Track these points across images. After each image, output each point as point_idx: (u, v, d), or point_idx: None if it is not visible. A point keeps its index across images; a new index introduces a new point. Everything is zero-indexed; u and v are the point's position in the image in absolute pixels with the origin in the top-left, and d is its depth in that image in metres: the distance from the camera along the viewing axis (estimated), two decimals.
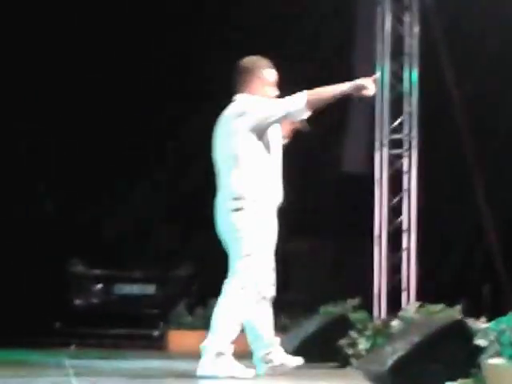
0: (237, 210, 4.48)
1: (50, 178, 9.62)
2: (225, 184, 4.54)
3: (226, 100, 4.61)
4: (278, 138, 4.62)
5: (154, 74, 9.10)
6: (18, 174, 9.30)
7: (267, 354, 4.64)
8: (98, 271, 9.24)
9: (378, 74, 4.80)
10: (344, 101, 8.76)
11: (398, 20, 7.03)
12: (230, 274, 4.49)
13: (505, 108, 8.03)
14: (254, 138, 4.48)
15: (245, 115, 4.44)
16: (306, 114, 4.44)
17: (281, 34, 8.64)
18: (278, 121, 4.51)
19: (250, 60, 4.63)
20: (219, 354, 4.39)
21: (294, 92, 4.46)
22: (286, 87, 4.52)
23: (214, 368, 4.38)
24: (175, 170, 9.76)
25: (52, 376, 4.77)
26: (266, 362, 4.63)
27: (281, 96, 4.55)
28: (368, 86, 4.47)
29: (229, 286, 4.45)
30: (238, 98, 4.55)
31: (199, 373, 4.39)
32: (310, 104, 4.39)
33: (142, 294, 9.16)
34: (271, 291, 4.61)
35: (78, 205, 9.43)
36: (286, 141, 4.76)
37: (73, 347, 7.67)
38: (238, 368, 4.41)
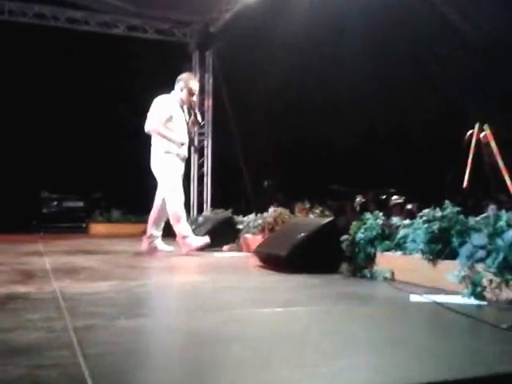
0: (167, 152, 5.49)
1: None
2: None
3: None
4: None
5: None
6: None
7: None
8: (55, 195, 11.25)
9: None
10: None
11: (202, 76, 9.99)
12: (164, 194, 5.39)
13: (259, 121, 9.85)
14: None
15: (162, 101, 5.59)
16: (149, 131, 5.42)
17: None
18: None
19: (185, 75, 5.82)
20: (152, 236, 5.54)
21: None
22: None
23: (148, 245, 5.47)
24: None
25: (31, 252, 5.45)
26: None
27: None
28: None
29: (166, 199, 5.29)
30: (171, 92, 5.62)
31: (143, 248, 5.49)
32: (155, 131, 5.38)
33: (77, 206, 11.35)
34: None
35: (48, 152, 10.61)
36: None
37: (42, 234, 9.58)
38: (164, 245, 5.54)
